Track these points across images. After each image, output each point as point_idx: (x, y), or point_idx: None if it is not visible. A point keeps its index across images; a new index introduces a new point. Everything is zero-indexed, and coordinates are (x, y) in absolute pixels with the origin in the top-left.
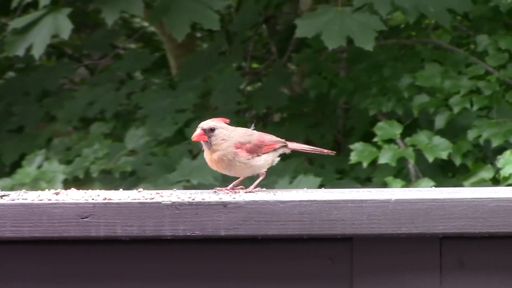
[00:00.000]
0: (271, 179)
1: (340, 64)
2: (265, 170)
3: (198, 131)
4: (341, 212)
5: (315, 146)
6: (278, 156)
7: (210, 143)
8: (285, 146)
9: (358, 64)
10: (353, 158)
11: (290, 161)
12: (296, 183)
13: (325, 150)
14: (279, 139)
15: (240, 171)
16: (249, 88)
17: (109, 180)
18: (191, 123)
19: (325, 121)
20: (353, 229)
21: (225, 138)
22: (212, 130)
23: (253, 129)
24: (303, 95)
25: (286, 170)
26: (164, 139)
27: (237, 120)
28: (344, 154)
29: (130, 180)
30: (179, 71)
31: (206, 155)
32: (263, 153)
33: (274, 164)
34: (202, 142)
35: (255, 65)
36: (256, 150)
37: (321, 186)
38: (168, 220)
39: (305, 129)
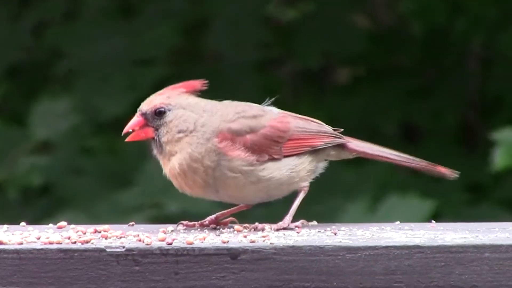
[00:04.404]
0: (331, 202)
1: None
2: (307, 183)
3: (134, 118)
4: (471, 270)
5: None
6: (325, 160)
7: (159, 141)
8: (341, 145)
9: None
10: (499, 160)
11: (368, 167)
12: (381, 212)
13: (439, 167)
14: (327, 128)
15: (237, 190)
16: (286, 16)
17: None
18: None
19: (443, 85)
20: None
21: (184, 129)
22: (159, 113)
23: (269, 106)
24: (398, 30)
25: (360, 185)
26: (110, 121)
27: (263, 82)
28: (481, 152)
29: (42, 204)
30: None
31: (163, 164)
32: (286, 155)
33: (317, 174)
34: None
35: None
36: (267, 147)
37: (433, 217)
38: (118, 286)
39: (401, 100)
